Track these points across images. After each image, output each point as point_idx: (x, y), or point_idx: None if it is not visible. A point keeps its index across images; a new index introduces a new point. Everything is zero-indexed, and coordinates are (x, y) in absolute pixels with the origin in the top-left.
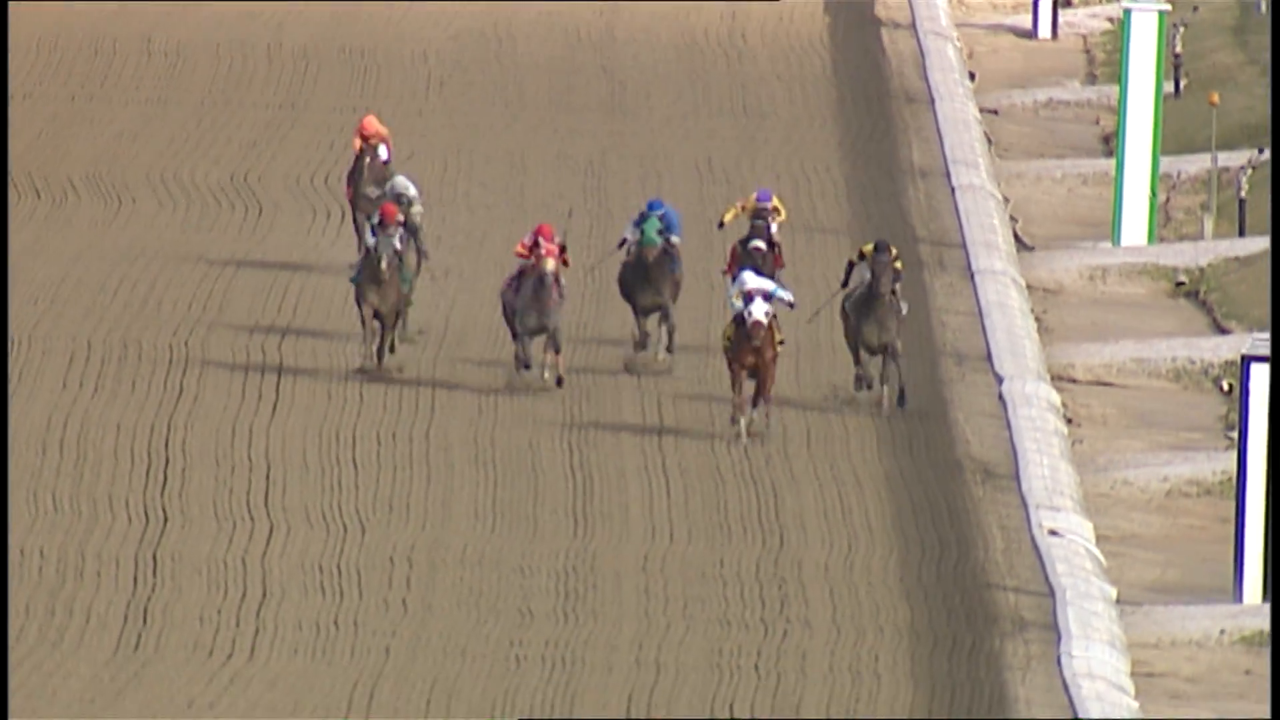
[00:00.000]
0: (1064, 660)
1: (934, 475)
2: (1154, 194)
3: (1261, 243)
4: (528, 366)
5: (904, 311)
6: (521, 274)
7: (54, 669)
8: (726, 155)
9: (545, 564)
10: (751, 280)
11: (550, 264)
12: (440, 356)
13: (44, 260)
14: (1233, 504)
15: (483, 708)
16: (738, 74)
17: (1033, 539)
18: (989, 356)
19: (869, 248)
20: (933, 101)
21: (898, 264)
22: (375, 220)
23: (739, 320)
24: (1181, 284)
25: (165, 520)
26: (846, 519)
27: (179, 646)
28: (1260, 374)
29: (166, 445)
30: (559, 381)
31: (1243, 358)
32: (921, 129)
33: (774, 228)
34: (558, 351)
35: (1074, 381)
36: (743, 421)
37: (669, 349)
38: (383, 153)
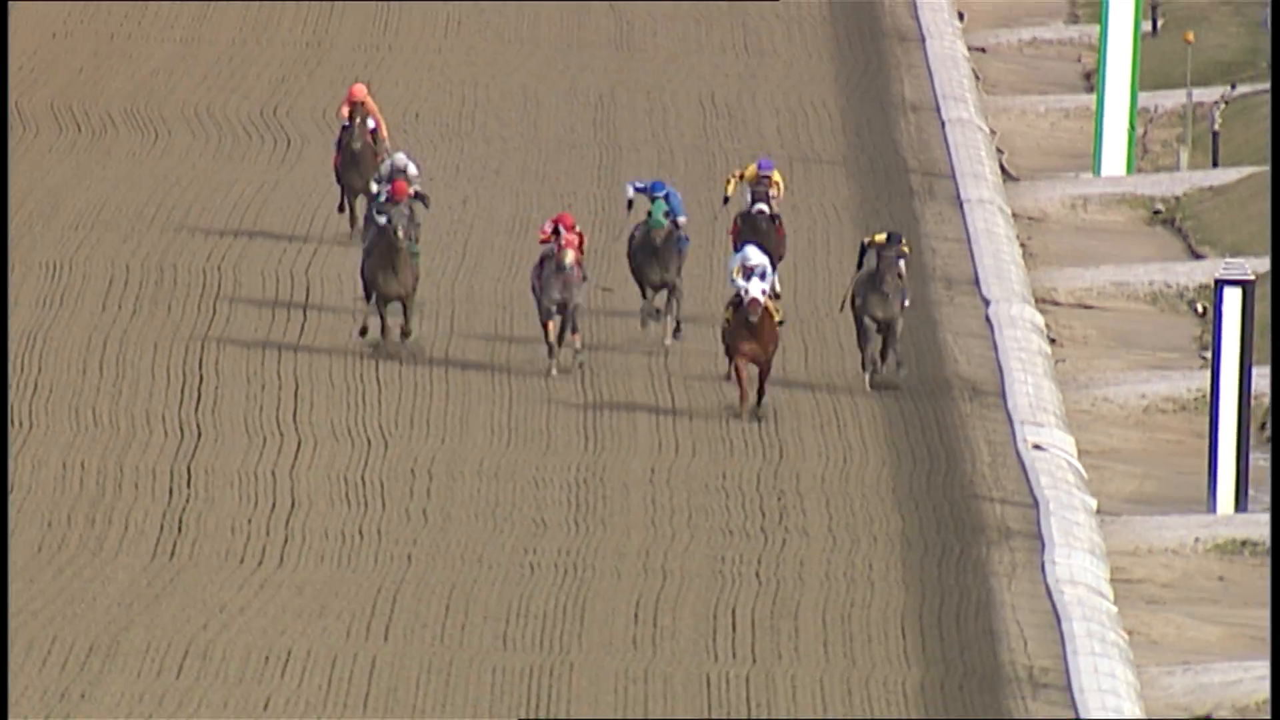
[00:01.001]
0: (1047, 567)
1: (924, 392)
2: (1132, 127)
3: (1234, 173)
4: (552, 353)
5: (907, 301)
6: (544, 261)
7: (94, 575)
8: (729, 90)
9: (557, 477)
10: (754, 256)
11: (570, 255)
12: (459, 280)
13: (85, 189)
14: (1207, 420)
15: (499, 612)
16: (739, 13)
17: (1017, 453)
18: (976, 280)
19: (880, 237)
20: (923, 40)
21: (905, 248)
22: (383, 198)
23: (736, 303)
24: (1158, 212)
25: (199, 435)
26: (842, 434)
27: (212, 554)
28: (1232, 297)
29: (200, 364)
30: (577, 352)
31: (1216, 281)
32: (913, 66)
33: (773, 201)
34: (575, 330)
35: (1057, 304)
36: (749, 399)
37: (676, 332)
38: (370, 122)
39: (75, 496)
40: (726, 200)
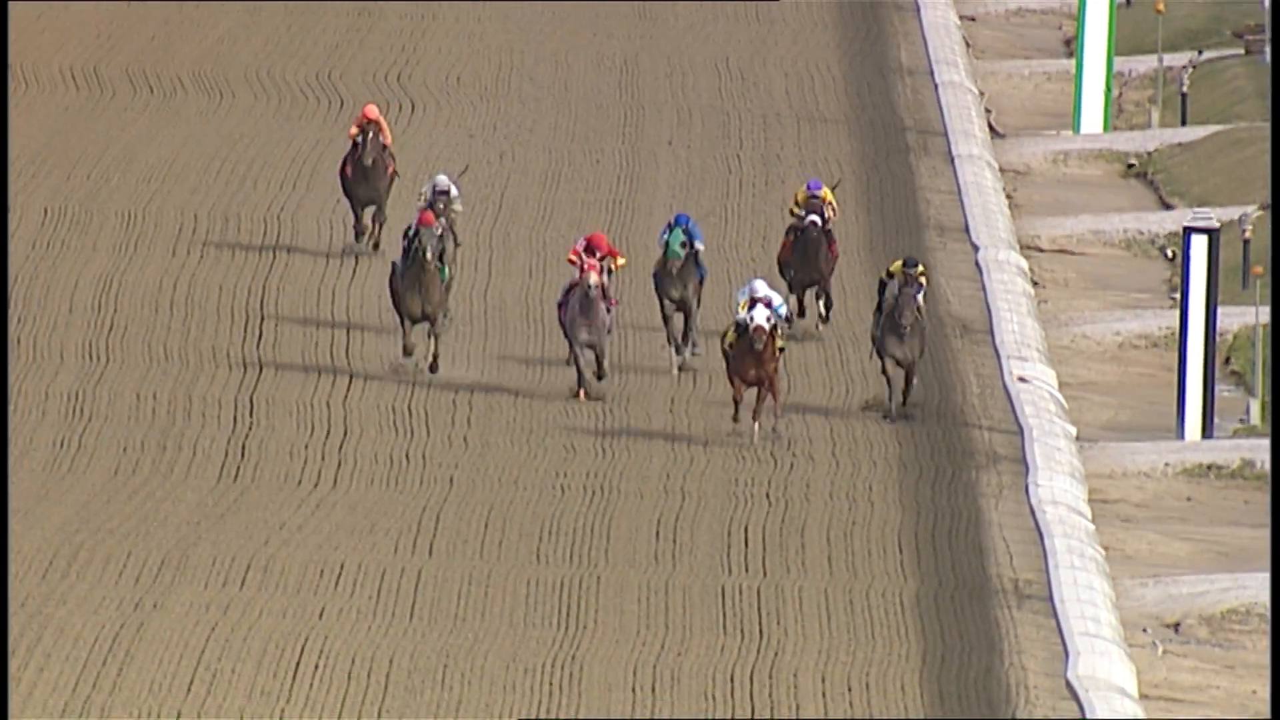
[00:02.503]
0: (1031, 489)
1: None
2: (1108, 89)
3: (1201, 131)
4: (581, 380)
5: (926, 328)
6: (572, 287)
7: (165, 496)
8: (741, 55)
9: (586, 406)
10: (762, 289)
11: (593, 278)
12: (496, 228)
13: (156, 146)
14: (1175, 355)
15: (533, 529)
16: None
17: (1004, 384)
18: (966, 228)
19: (896, 266)
20: (918, 9)
21: (922, 278)
22: (412, 227)
23: (740, 328)
24: (1132, 166)
25: (261, 369)
26: (845, 368)
27: (272, 477)
28: (1199, 243)
29: (262, 305)
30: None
31: (1185, 229)
32: (909, 33)
33: (828, 219)
34: (600, 378)
35: (1039, 250)
36: (755, 427)
37: (694, 349)
38: (381, 138)
39: (148, 424)
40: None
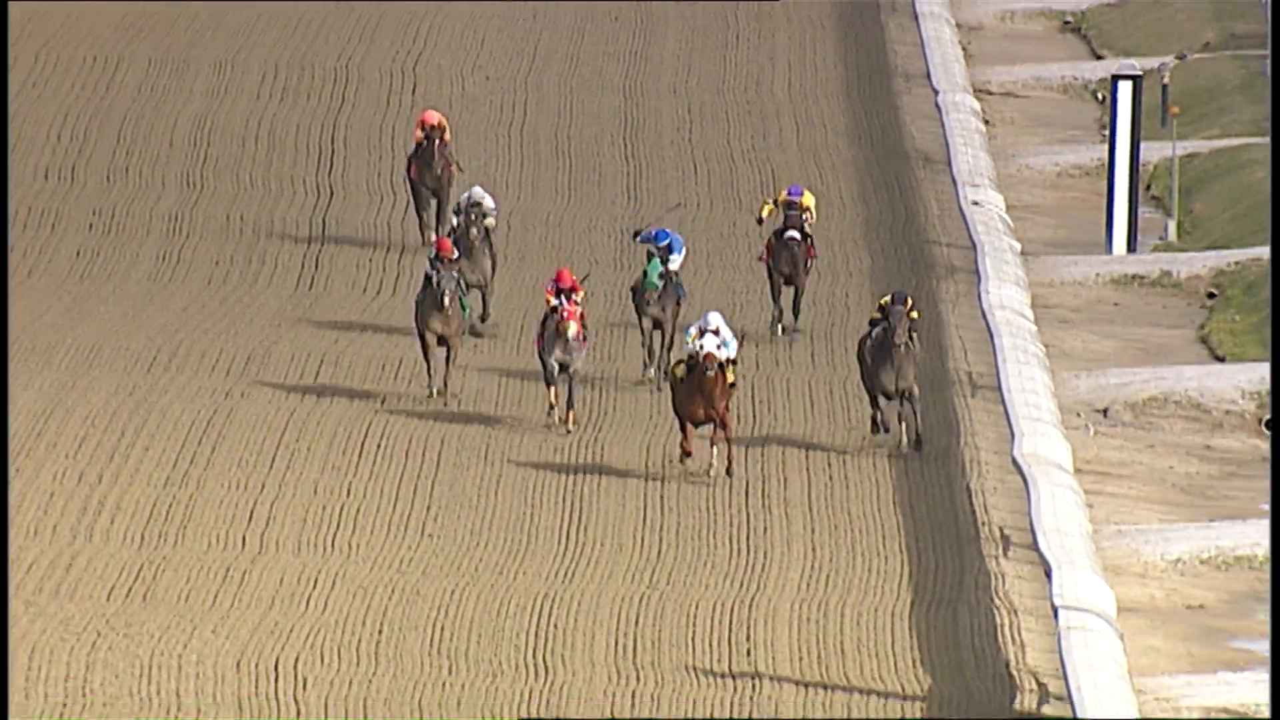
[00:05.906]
0: (983, 296)
1: (889, 162)
2: None
3: None
4: (553, 407)
5: (919, 356)
6: (547, 319)
7: (250, 301)
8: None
9: (604, 245)
10: (714, 321)
11: (572, 328)
12: (530, 76)
13: (243, 5)
14: (1105, 182)
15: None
16: None
17: (960, 207)
18: (928, 75)
19: (885, 300)
20: None
21: (913, 314)
22: (432, 254)
23: (690, 360)
24: (1069, 22)
25: (332, 194)
26: (824, 194)
27: (341, 285)
28: (1125, 88)
29: (332, 139)
30: (567, 426)
31: (1113, 76)
32: None
33: (806, 223)
34: (570, 407)
35: (990, 93)
36: (713, 452)
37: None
38: (444, 141)
39: (236, 241)
40: (761, 222)
